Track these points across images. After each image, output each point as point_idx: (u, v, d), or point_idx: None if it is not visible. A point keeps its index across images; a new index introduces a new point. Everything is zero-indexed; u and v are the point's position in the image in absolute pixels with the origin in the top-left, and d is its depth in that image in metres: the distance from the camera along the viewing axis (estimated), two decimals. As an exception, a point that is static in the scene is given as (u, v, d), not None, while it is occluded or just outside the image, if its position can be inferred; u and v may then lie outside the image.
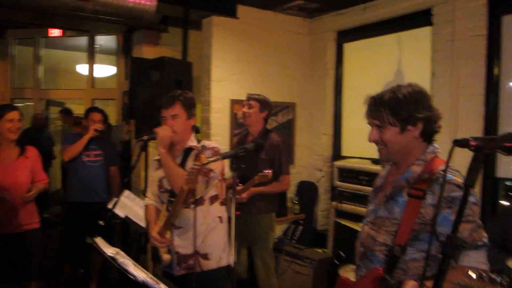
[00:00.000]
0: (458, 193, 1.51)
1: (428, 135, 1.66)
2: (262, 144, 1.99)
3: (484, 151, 1.02)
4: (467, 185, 0.99)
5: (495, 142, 1.04)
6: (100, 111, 4.24)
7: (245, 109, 3.54)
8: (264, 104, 3.55)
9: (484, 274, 1.04)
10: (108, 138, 4.76)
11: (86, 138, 3.98)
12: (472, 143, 1.00)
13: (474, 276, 1.05)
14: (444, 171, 1.05)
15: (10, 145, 3.32)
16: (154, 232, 2.36)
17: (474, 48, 3.63)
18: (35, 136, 6.32)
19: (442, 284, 0.99)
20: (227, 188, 3.51)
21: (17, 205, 3.26)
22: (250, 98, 3.58)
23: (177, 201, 2.20)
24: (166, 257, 2.41)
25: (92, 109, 4.27)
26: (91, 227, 4.24)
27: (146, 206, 2.62)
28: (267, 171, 3.12)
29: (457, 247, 0.95)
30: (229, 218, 3.22)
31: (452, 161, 1.30)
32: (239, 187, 3.31)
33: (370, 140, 1.73)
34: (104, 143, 4.20)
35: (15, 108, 3.36)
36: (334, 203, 4.22)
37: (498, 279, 1.01)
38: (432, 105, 1.67)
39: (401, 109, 1.62)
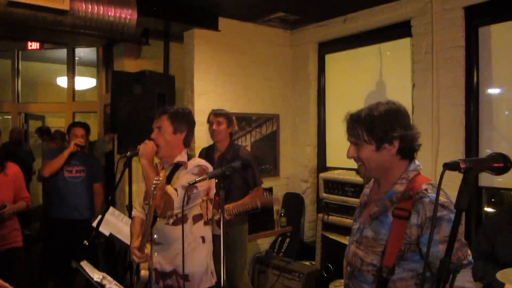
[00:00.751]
0: (443, 213, 1.52)
1: (406, 153, 1.66)
2: (249, 161, 1.98)
3: (473, 172, 1.03)
4: (459, 209, 0.99)
5: (485, 164, 1.05)
6: (83, 125, 4.17)
7: (214, 127, 3.59)
8: (230, 119, 3.65)
9: None
10: (91, 154, 4.68)
11: (66, 152, 3.90)
12: (462, 165, 1.00)
13: None
14: (437, 192, 1.04)
15: None
16: (133, 246, 2.35)
17: (453, 59, 3.70)
18: (14, 150, 6.18)
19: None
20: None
21: (6, 227, 3.20)
22: (218, 114, 3.63)
23: (148, 214, 2.19)
24: (143, 272, 2.38)
25: (74, 124, 4.19)
26: (73, 246, 4.17)
27: (133, 218, 2.60)
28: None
29: (451, 271, 0.94)
30: (215, 236, 3.26)
31: (433, 172, 1.32)
32: (228, 206, 3.37)
33: (348, 157, 1.74)
34: (86, 159, 4.12)
35: None
36: (320, 215, 4.22)
37: None
38: (410, 124, 1.67)
39: (376, 127, 1.63)
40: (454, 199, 1.12)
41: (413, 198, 1.58)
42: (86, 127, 4.16)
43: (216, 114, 3.62)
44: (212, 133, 3.58)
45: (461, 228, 1.55)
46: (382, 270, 1.60)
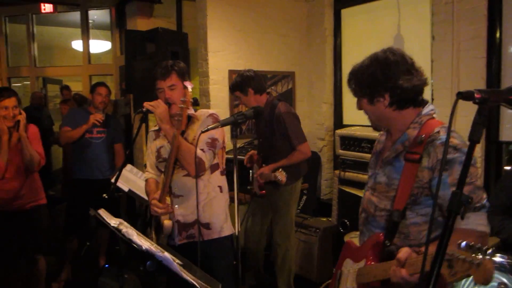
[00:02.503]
0: (454, 155, 1.50)
1: (404, 103, 1.62)
2: (261, 110, 1.97)
3: (489, 103, 1.00)
4: (473, 141, 0.96)
5: (501, 95, 1.01)
6: (106, 86, 4.20)
7: (239, 102, 3.65)
8: (244, 86, 3.46)
9: (473, 244, 1.04)
10: (112, 115, 4.72)
11: (84, 128, 3.96)
12: (477, 95, 0.97)
13: (463, 244, 1.05)
14: (449, 127, 1.01)
15: (12, 130, 3.29)
16: (153, 197, 2.35)
17: (474, 9, 3.54)
18: (35, 115, 6.28)
19: (447, 243, 0.98)
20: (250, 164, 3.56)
21: (22, 184, 3.28)
22: (231, 89, 3.63)
23: (168, 165, 2.20)
24: (167, 223, 2.38)
25: (98, 84, 4.21)
26: (95, 202, 4.27)
27: (146, 180, 2.62)
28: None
29: (462, 203, 0.93)
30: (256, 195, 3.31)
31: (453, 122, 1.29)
32: (262, 169, 3.40)
33: (358, 109, 1.75)
34: (107, 120, 4.15)
35: (11, 95, 3.25)
36: (337, 171, 4.21)
37: (485, 249, 1.00)
38: (405, 71, 1.58)
39: (363, 82, 1.62)
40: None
41: (425, 141, 1.56)
42: (108, 88, 4.20)
43: (231, 91, 3.62)
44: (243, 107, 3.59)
45: (475, 171, 1.53)
46: (392, 214, 1.60)
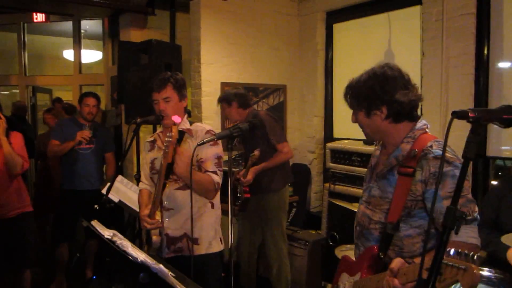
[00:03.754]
0: (446, 168, 1.53)
1: (401, 117, 1.66)
2: (256, 123, 1.99)
3: (482, 122, 1.03)
4: (467, 158, 0.99)
5: (494, 114, 1.05)
6: (95, 95, 4.20)
7: (226, 113, 3.70)
8: (230, 99, 3.66)
9: (461, 251, 1.07)
10: (101, 124, 4.69)
11: (71, 144, 3.94)
12: (471, 114, 1.00)
13: (451, 252, 1.08)
14: (444, 144, 1.04)
15: None
16: (143, 213, 2.35)
17: (463, 27, 3.62)
18: (18, 125, 6.10)
19: (442, 257, 1.00)
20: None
21: (5, 191, 3.22)
22: (219, 102, 3.75)
23: (160, 176, 2.21)
24: (155, 239, 2.39)
25: (86, 94, 4.21)
26: (84, 213, 4.22)
27: (140, 191, 2.61)
28: (254, 152, 3.32)
29: (457, 219, 0.95)
30: (244, 201, 3.32)
31: (442, 137, 1.31)
32: (242, 172, 3.43)
33: (353, 122, 1.78)
34: (96, 129, 4.14)
35: None
36: (327, 184, 4.23)
37: (472, 255, 1.04)
38: (402, 86, 1.63)
39: (360, 95, 1.66)
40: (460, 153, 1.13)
41: (418, 155, 1.59)
42: (97, 97, 4.19)
43: (218, 102, 3.75)
44: (228, 118, 3.67)
45: (467, 184, 1.56)
46: (386, 226, 1.63)
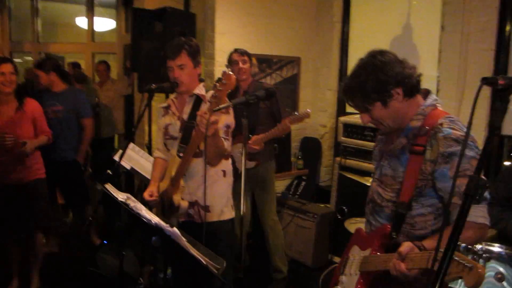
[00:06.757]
0: (456, 148, 1.50)
1: (412, 91, 1.62)
2: (273, 91, 1.95)
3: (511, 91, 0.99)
4: (494, 128, 0.96)
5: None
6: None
7: (241, 65, 3.53)
8: (250, 57, 3.64)
9: (470, 247, 1.06)
10: (75, 88, 4.45)
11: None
12: (501, 81, 0.97)
13: (462, 246, 1.07)
14: (470, 119, 1.01)
15: (7, 99, 3.27)
16: (147, 190, 2.41)
17: (486, 1, 3.51)
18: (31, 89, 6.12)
19: (462, 228, 0.98)
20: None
21: (20, 158, 3.26)
22: (243, 53, 3.59)
23: (190, 147, 2.19)
24: (184, 203, 2.38)
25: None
26: (62, 187, 4.19)
27: (155, 159, 2.63)
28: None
29: (480, 187, 0.93)
30: (236, 171, 3.31)
31: (458, 114, 1.28)
32: (254, 138, 3.40)
33: (364, 123, 1.73)
34: (65, 96, 3.96)
35: (7, 61, 3.25)
36: (338, 158, 4.22)
37: (481, 254, 1.03)
38: (399, 61, 1.61)
39: (370, 92, 1.60)
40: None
41: (428, 133, 1.56)
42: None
43: (241, 53, 3.58)
44: (238, 71, 3.51)
45: (475, 163, 1.51)
46: (398, 206, 1.62)
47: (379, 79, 1.58)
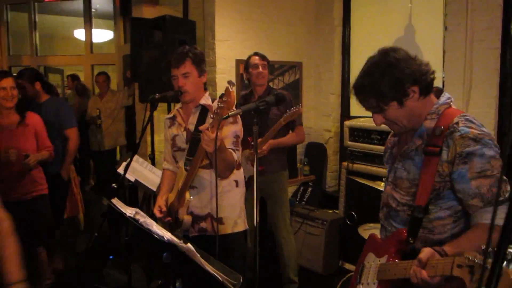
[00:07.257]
0: (473, 148, 1.44)
1: (427, 89, 1.56)
2: (283, 97, 1.90)
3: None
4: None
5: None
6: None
7: (261, 69, 3.47)
8: (269, 63, 3.59)
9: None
10: (56, 99, 4.23)
11: None
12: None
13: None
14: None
15: (9, 113, 3.23)
16: (157, 203, 2.38)
17: (490, -1, 3.48)
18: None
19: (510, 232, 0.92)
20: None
21: (23, 173, 3.21)
22: (263, 57, 3.53)
23: (192, 169, 2.14)
24: (187, 218, 2.33)
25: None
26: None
27: (163, 171, 2.58)
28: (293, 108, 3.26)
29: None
30: (249, 178, 3.24)
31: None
32: (259, 140, 3.31)
33: (378, 125, 1.65)
34: (46, 107, 3.83)
35: (8, 75, 3.21)
36: (345, 163, 4.15)
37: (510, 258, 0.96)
38: (412, 59, 1.55)
39: (386, 91, 1.53)
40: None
41: (443, 133, 1.50)
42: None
43: (262, 57, 3.52)
44: (257, 75, 3.44)
45: (496, 163, 1.46)
46: (414, 210, 1.55)
47: (395, 77, 1.52)
